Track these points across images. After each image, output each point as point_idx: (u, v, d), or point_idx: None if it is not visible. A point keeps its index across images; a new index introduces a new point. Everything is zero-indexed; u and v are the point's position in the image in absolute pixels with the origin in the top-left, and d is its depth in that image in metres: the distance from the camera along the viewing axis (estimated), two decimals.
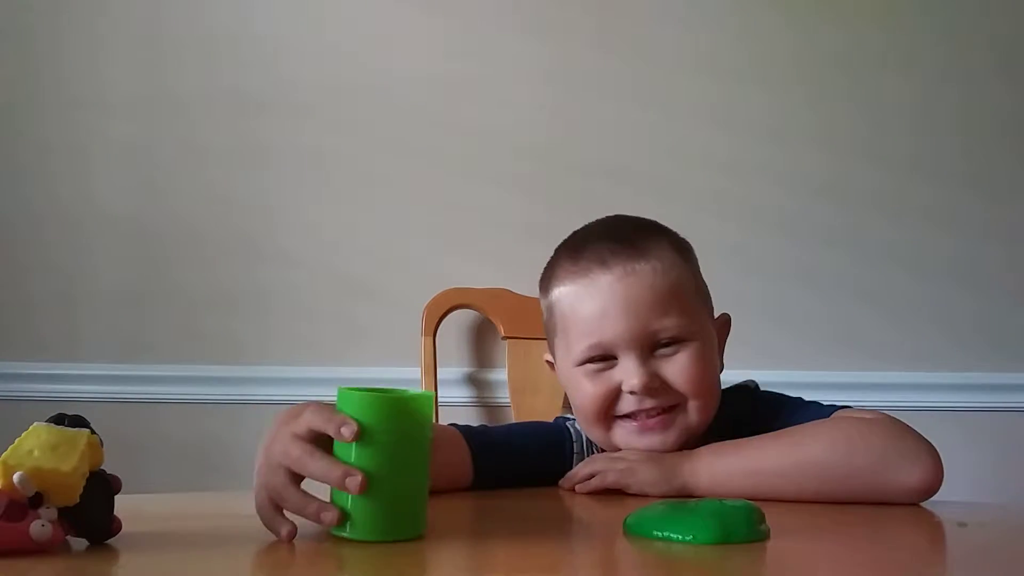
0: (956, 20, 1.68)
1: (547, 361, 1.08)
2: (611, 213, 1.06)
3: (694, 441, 0.95)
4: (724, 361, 1.03)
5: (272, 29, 1.78)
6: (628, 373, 0.93)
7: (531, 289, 1.70)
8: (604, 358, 0.95)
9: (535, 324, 1.10)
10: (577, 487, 0.92)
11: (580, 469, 0.94)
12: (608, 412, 0.95)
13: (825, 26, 1.69)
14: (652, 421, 0.94)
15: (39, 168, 1.79)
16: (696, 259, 1.03)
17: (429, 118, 1.73)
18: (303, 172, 1.75)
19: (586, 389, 0.96)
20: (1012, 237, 1.67)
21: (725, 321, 1.05)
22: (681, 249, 1.01)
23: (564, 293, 0.99)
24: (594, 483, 0.91)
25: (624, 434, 0.96)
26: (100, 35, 1.80)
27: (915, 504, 0.83)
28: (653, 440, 0.94)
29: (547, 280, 1.03)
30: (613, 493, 0.90)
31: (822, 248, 1.68)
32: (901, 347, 1.65)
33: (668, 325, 0.93)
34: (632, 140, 1.70)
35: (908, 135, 1.68)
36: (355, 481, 0.60)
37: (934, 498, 0.84)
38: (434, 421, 1.47)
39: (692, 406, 0.95)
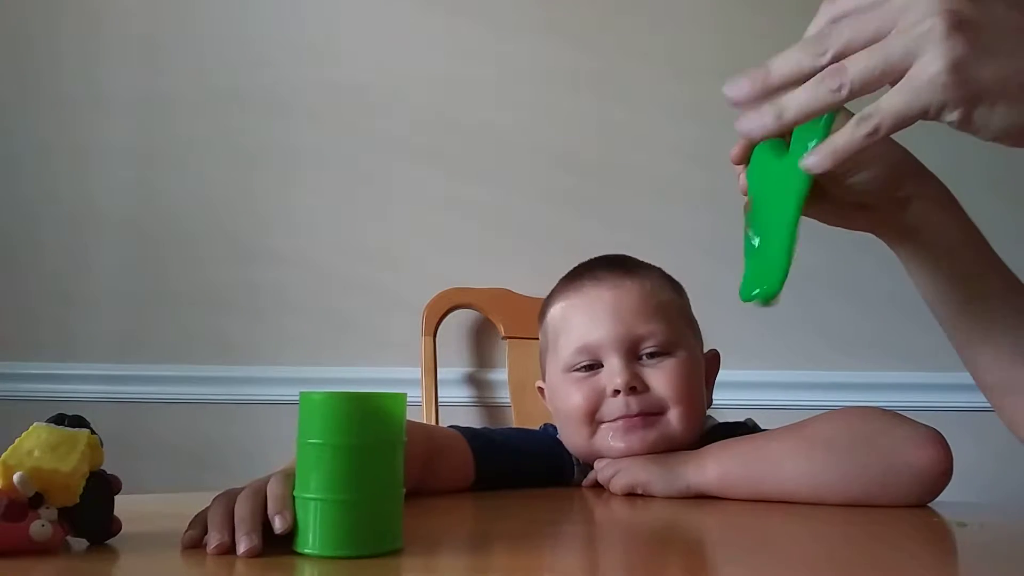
0: None
1: (538, 388, 1.09)
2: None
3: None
4: (712, 397, 1.05)
5: (270, 30, 1.78)
6: (612, 374, 0.95)
7: (531, 289, 1.71)
8: (591, 366, 0.97)
9: (535, 324, 1.10)
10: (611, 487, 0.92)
11: (605, 470, 0.94)
12: (592, 417, 0.96)
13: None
14: (635, 419, 0.94)
15: (37, 168, 1.79)
16: (688, 299, 1.07)
17: (429, 118, 1.73)
18: (302, 172, 1.76)
19: (573, 395, 0.97)
20: (1003, 233, 1.66)
21: (714, 356, 1.06)
22: (672, 282, 1.06)
23: (558, 308, 1.04)
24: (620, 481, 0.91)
25: (605, 435, 0.96)
26: (97, 36, 1.80)
27: (921, 505, 0.83)
28: (632, 439, 0.94)
29: (545, 306, 1.07)
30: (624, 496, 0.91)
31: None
32: (899, 346, 1.64)
33: (653, 331, 0.97)
34: (632, 140, 1.70)
35: None
36: (241, 546, 0.56)
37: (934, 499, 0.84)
38: (436, 424, 1.46)
39: (674, 414, 0.95)
